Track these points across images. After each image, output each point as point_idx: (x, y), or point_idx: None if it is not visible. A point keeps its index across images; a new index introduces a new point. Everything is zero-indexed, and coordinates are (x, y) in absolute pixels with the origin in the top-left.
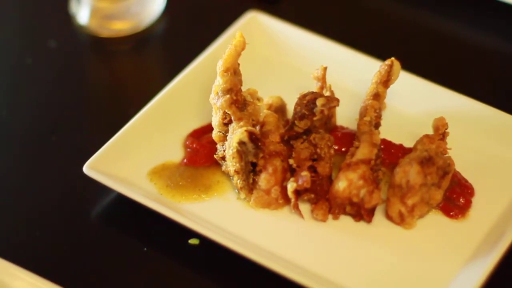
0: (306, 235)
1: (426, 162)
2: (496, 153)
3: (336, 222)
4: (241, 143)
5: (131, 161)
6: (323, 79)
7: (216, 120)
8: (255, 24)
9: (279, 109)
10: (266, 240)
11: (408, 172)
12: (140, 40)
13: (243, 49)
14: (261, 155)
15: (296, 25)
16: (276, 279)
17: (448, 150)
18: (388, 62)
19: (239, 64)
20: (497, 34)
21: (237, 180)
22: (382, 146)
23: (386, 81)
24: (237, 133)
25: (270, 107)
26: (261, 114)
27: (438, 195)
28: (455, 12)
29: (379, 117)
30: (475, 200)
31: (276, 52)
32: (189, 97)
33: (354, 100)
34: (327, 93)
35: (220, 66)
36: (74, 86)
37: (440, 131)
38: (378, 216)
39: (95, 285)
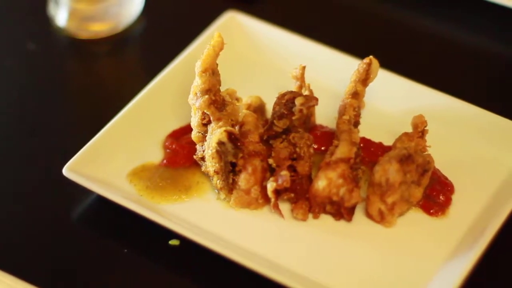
0: (287, 235)
1: (405, 160)
2: (475, 150)
3: (316, 221)
4: (220, 143)
5: (111, 163)
6: (301, 78)
7: (195, 121)
8: (234, 24)
9: (258, 108)
10: (247, 240)
11: (388, 170)
12: (118, 41)
13: (221, 49)
14: (240, 155)
15: (275, 25)
16: (257, 279)
17: (428, 148)
18: (366, 60)
19: (217, 64)
20: (476, 31)
21: (217, 181)
22: (361, 145)
23: (364, 79)
24: (216, 133)
25: (249, 107)
26: (240, 114)
27: (418, 193)
28: (433, 10)
29: (358, 115)
30: (455, 198)
31: (254, 52)
32: (168, 98)
33: (333, 99)
34: (306, 92)
35: (198, 66)
36: (53, 88)
37: (419, 129)
38: (358, 214)
39: (75, 287)
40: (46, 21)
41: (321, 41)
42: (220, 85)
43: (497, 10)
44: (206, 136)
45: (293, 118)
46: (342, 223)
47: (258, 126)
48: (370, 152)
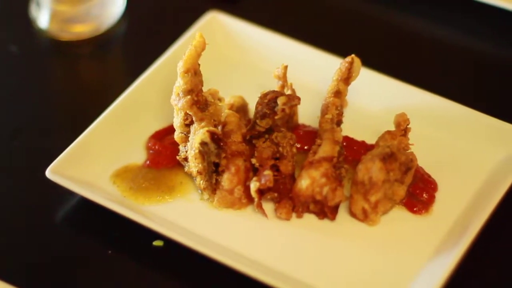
0: (270, 234)
1: (388, 158)
2: (458, 148)
3: (300, 220)
4: (203, 143)
5: (94, 164)
6: (284, 77)
7: (177, 121)
8: (216, 24)
9: (241, 108)
10: (231, 240)
11: (371, 169)
12: (101, 43)
13: (203, 49)
14: (223, 155)
15: (256, 24)
16: (241, 279)
17: (410, 146)
18: (348, 59)
19: (199, 65)
20: (457, 28)
21: (200, 181)
22: (344, 143)
23: (346, 78)
24: (199, 133)
25: (231, 107)
26: (222, 114)
27: (401, 191)
28: (415, 8)
29: (340, 114)
30: (438, 195)
31: (236, 52)
32: (151, 98)
33: (316, 98)
34: (288, 92)
35: (180, 67)
36: (36, 90)
37: (402, 127)
38: (342, 213)
39: None
40: (28, 23)
41: (303, 40)
42: (202, 86)
43: (481, 9)
44: (189, 136)
45: (276, 117)
46: (325, 222)
47: (240, 126)
48: (353, 151)
